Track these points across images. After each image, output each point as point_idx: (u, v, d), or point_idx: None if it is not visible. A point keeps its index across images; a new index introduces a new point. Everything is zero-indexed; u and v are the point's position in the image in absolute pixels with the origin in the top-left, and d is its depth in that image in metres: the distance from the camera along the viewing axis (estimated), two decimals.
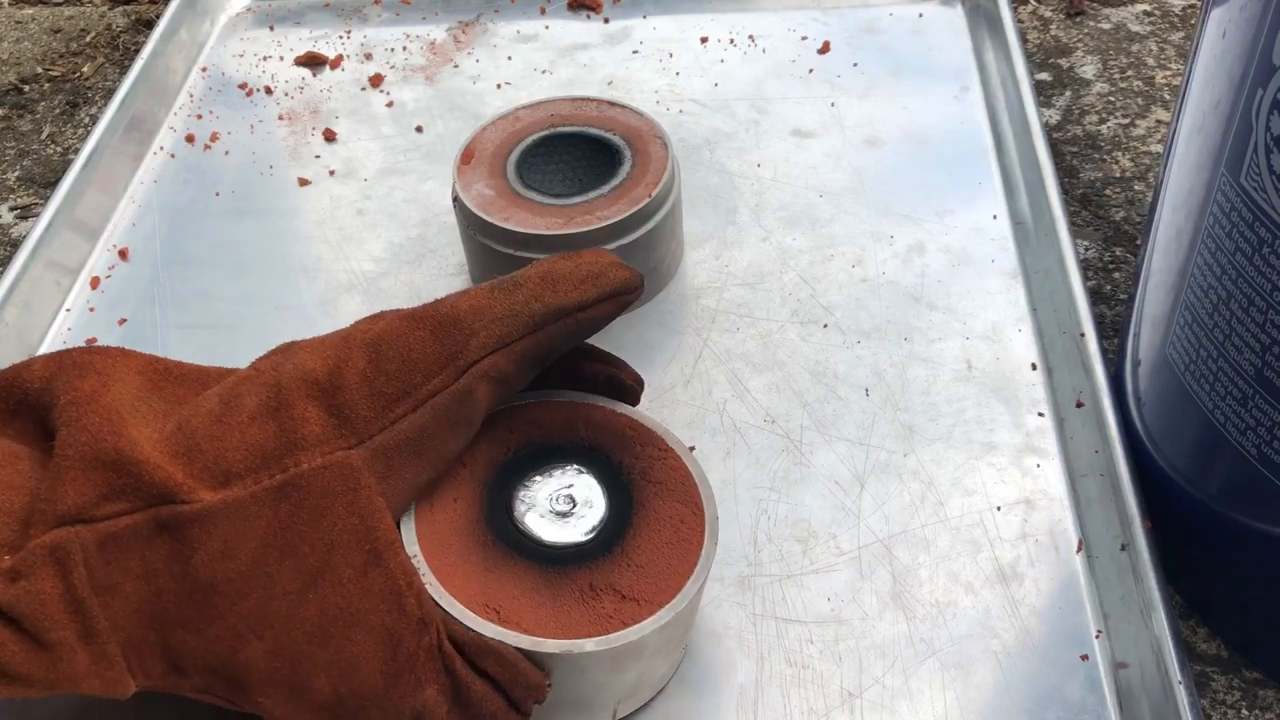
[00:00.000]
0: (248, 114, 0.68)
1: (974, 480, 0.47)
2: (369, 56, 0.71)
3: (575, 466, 0.41)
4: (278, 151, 0.66)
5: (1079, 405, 0.49)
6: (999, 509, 0.46)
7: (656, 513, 0.40)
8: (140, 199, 0.64)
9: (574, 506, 0.40)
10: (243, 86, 0.70)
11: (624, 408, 0.43)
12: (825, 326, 0.54)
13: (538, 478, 0.41)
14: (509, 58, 0.71)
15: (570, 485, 0.40)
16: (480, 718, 0.37)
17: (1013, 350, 0.52)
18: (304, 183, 0.63)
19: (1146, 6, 0.75)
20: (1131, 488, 0.45)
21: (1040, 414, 0.50)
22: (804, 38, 0.70)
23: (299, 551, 0.35)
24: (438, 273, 0.58)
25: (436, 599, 0.37)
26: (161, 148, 0.67)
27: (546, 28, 0.73)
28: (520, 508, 0.40)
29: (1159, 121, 0.67)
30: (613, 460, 0.42)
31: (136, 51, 0.71)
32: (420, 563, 0.38)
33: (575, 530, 0.39)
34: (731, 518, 0.47)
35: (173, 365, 0.40)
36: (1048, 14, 0.76)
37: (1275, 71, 0.34)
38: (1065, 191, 0.62)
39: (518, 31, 0.73)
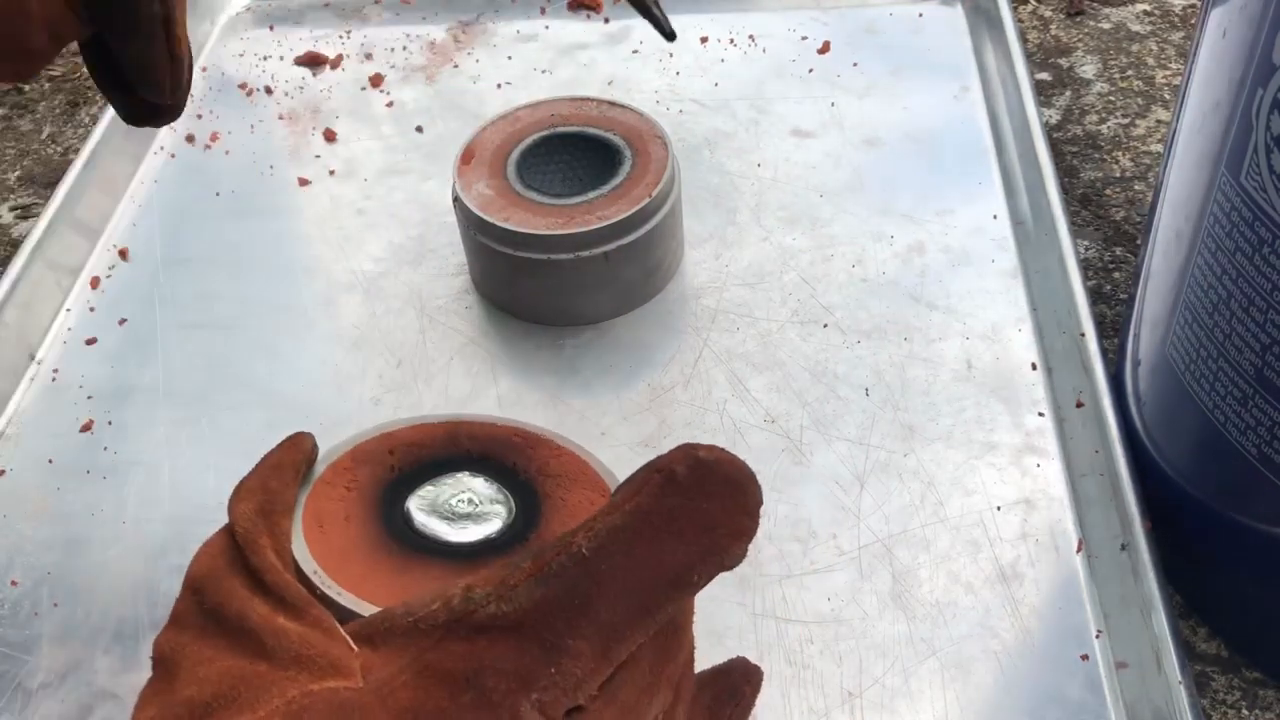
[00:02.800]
0: (248, 114, 0.68)
1: (974, 480, 0.47)
2: (369, 56, 0.71)
3: (467, 472, 0.39)
4: (278, 151, 0.66)
5: (1079, 405, 0.49)
6: (999, 509, 0.46)
7: (564, 500, 0.39)
8: (140, 199, 0.64)
9: (477, 506, 0.38)
10: (243, 86, 0.70)
11: (505, 420, 0.42)
12: (825, 326, 0.54)
13: (430, 488, 0.39)
14: (509, 58, 0.71)
15: (467, 490, 0.39)
16: None
17: (1013, 350, 0.52)
18: (304, 183, 0.63)
19: (1146, 6, 0.75)
20: (1131, 488, 0.45)
21: (1040, 414, 0.50)
22: (804, 38, 0.70)
23: None
24: (438, 273, 0.58)
25: (351, 607, 0.34)
26: (161, 148, 0.67)
27: (546, 28, 0.73)
28: (420, 515, 0.38)
29: (1159, 121, 0.67)
30: (505, 463, 0.40)
31: None
32: (322, 578, 0.35)
33: (486, 527, 0.38)
34: None
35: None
36: (1048, 14, 0.76)
37: (1275, 71, 0.34)
38: (1065, 191, 0.62)
39: (518, 31, 0.73)
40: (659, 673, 0.31)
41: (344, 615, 0.34)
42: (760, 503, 0.30)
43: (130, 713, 0.42)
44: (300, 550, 0.36)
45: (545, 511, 0.39)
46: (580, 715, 0.29)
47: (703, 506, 0.30)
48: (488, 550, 0.37)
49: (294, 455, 0.39)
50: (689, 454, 0.30)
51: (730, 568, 0.30)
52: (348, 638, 0.31)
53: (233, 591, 0.32)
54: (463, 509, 0.38)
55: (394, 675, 0.29)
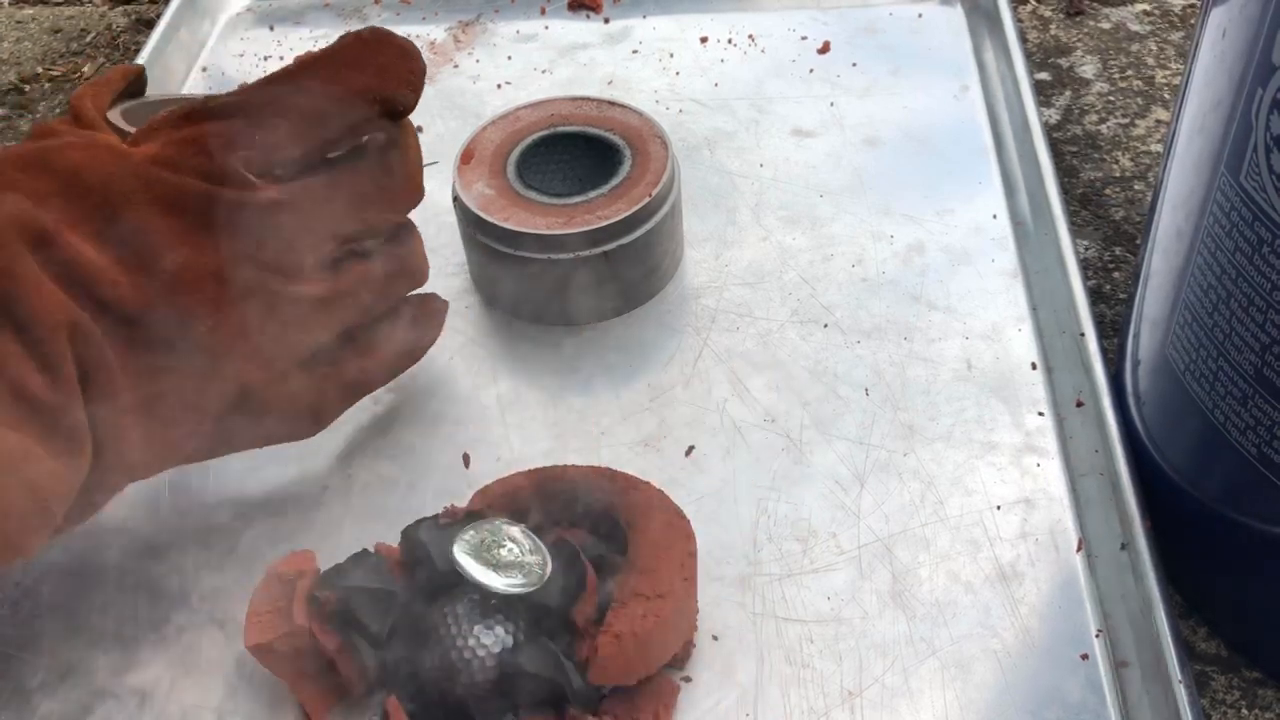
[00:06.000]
0: None
1: (974, 480, 0.47)
2: None
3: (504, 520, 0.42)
4: None
5: (1079, 405, 0.49)
6: (999, 508, 0.46)
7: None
8: None
9: (520, 556, 0.41)
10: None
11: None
12: (825, 326, 0.54)
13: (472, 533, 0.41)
14: (509, 58, 0.71)
15: (507, 538, 0.41)
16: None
17: (1013, 350, 0.52)
18: None
19: (1146, 6, 0.75)
20: (1131, 487, 0.45)
21: (1040, 413, 0.50)
22: (804, 38, 0.70)
23: None
24: (438, 272, 0.58)
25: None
26: None
27: (546, 28, 0.73)
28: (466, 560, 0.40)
29: (1159, 121, 0.67)
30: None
31: (136, 51, 0.71)
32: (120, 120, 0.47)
33: (529, 578, 0.40)
34: (732, 517, 0.47)
35: None
36: (1047, 13, 0.76)
37: (1275, 71, 0.34)
38: (1065, 191, 0.62)
39: (518, 31, 0.73)
40: (343, 189, 0.43)
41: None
42: (424, 69, 0.43)
43: (130, 713, 0.43)
44: (114, 116, 0.46)
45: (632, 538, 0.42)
46: (275, 181, 0.40)
47: (380, 57, 0.42)
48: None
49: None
50: (372, 29, 0.43)
51: (401, 110, 0.43)
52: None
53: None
54: (507, 557, 0.40)
55: (147, 146, 0.40)
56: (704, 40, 0.70)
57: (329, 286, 0.43)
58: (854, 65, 0.68)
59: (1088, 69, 0.71)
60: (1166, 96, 0.68)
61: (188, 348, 0.39)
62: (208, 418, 0.41)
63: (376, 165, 0.44)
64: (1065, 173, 0.64)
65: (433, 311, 0.50)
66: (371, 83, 0.42)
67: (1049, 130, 0.67)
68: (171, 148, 0.40)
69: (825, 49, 0.69)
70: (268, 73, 0.43)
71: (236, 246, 0.40)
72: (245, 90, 0.42)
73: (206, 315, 0.39)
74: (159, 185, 0.39)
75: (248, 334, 0.41)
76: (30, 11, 0.85)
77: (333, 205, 0.42)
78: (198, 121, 0.40)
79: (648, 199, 0.52)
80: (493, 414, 0.51)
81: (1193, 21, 0.74)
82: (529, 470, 0.45)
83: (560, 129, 0.56)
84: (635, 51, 0.70)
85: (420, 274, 0.48)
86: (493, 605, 0.39)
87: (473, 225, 0.53)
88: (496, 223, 0.52)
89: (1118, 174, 0.64)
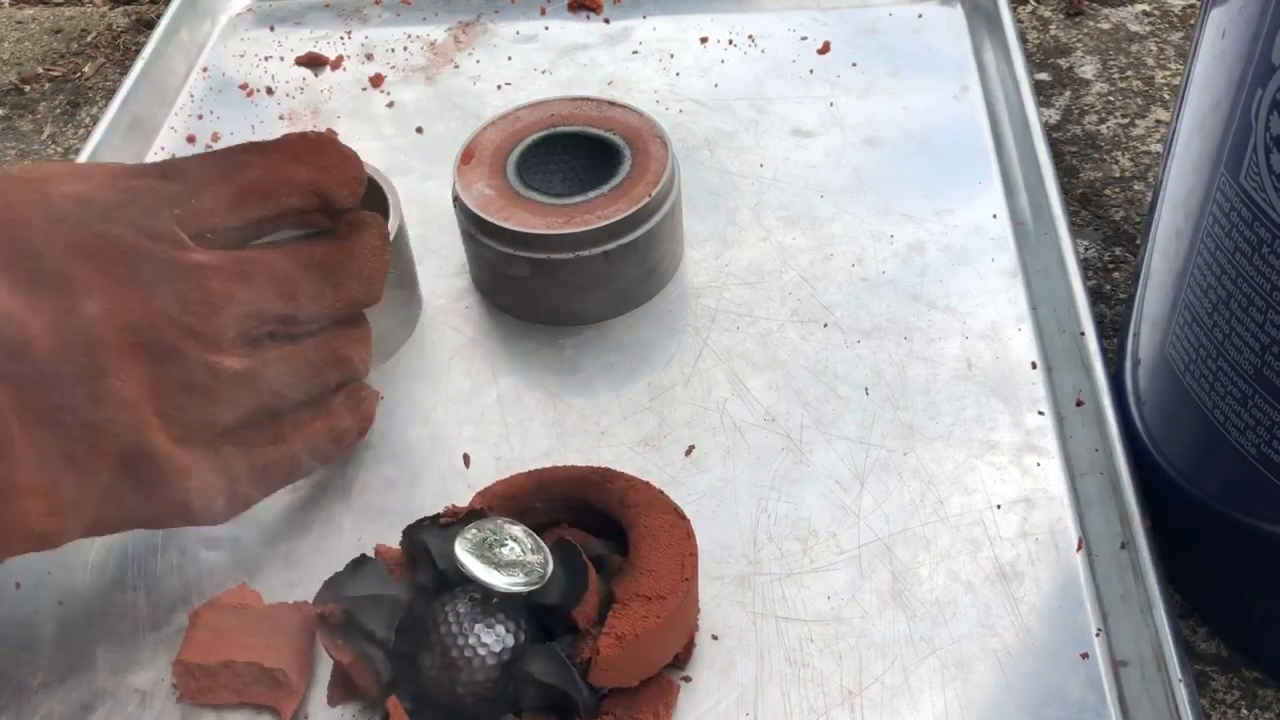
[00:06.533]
0: (249, 114, 0.68)
1: (974, 479, 0.48)
2: (370, 57, 0.71)
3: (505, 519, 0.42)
4: None
5: (1079, 404, 0.49)
6: (999, 507, 0.47)
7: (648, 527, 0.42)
8: None
9: (521, 556, 0.40)
10: (243, 87, 0.70)
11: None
12: (825, 326, 0.54)
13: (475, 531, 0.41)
14: (509, 58, 0.71)
15: (509, 537, 0.41)
16: None
17: (1012, 349, 0.52)
18: None
19: (1146, 6, 0.75)
20: (1131, 486, 0.45)
21: (1040, 413, 0.50)
22: (804, 38, 0.70)
23: None
24: (438, 273, 0.58)
25: None
26: (162, 148, 0.67)
27: (546, 28, 0.73)
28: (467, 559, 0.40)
29: (1159, 121, 0.67)
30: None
31: (137, 51, 0.71)
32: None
33: (530, 578, 0.40)
34: (732, 517, 0.47)
35: None
36: (1047, 14, 0.76)
37: (1275, 71, 0.34)
38: (1065, 191, 0.62)
39: (518, 31, 0.73)
40: (275, 270, 0.43)
41: None
42: (364, 178, 0.45)
43: (130, 713, 0.43)
44: None
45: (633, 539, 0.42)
46: (206, 245, 0.41)
47: (322, 157, 0.44)
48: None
49: None
50: (315, 132, 0.45)
51: (338, 209, 0.44)
52: None
53: None
54: (509, 556, 0.40)
55: (74, 185, 0.40)
56: (704, 41, 0.70)
57: (246, 363, 0.42)
58: (854, 65, 0.68)
59: (1087, 69, 0.71)
60: (1166, 96, 0.69)
61: (92, 399, 0.38)
62: (108, 473, 0.39)
63: (316, 256, 0.44)
64: (1065, 173, 0.64)
65: (359, 401, 0.48)
66: (313, 176, 0.43)
67: (1049, 130, 0.67)
68: (103, 193, 0.40)
69: (825, 49, 0.69)
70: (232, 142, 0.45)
71: (159, 304, 0.40)
72: (191, 158, 0.43)
73: (118, 368, 0.39)
74: (81, 231, 0.39)
75: (158, 394, 0.40)
76: (30, 11, 0.85)
77: (261, 282, 0.42)
78: (139, 176, 0.41)
79: (648, 199, 0.52)
80: (493, 414, 0.51)
81: (1193, 21, 0.74)
82: (529, 470, 0.45)
83: (560, 129, 0.56)
84: (635, 52, 0.70)
85: (353, 366, 0.46)
86: (494, 604, 0.39)
87: (473, 225, 0.53)
88: (496, 223, 0.52)
89: (1118, 174, 0.64)
